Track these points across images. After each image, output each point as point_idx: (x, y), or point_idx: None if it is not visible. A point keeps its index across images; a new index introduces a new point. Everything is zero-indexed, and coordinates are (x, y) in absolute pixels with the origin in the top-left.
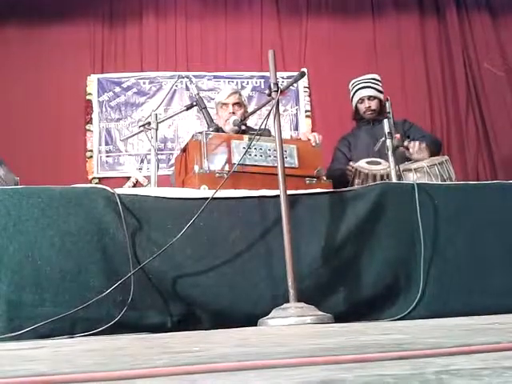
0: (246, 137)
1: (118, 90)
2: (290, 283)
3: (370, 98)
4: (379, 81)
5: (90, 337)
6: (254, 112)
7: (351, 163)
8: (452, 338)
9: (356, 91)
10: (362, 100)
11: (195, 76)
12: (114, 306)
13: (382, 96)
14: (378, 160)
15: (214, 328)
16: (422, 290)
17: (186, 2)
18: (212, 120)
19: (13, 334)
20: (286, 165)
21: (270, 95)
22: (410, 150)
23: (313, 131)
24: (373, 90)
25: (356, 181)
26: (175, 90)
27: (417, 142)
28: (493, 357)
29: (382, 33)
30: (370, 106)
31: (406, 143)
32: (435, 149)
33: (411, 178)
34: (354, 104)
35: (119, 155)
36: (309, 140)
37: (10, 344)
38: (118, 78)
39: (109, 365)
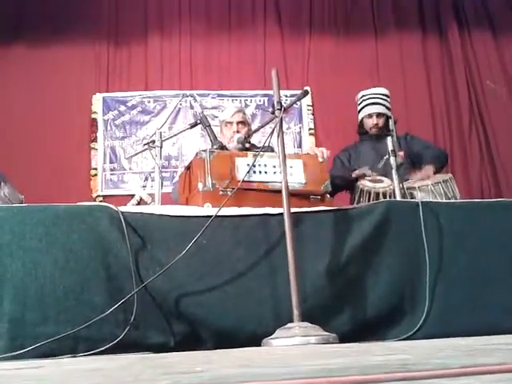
0: (250, 154)
1: (122, 108)
2: (294, 302)
3: (378, 115)
4: (388, 96)
5: (92, 356)
6: (257, 130)
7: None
8: (457, 358)
9: (365, 106)
10: (369, 116)
11: (199, 94)
12: (116, 325)
13: (389, 113)
14: (381, 178)
15: (216, 348)
16: (427, 309)
17: (191, 21)
18: (216, 138)
19: (15, 353)
20: (293, 182)
21: (273, 113)
22: (418, 176)
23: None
24: (382, 107)
25: (357, 198)
26: (179, 108)
27: (422, 171)
28: (498, 378)
29: (384, 51)
30: (377, 124)
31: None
32: (439, 164)
33: (415, 196)
34: (360, 117)
35: (123, 173)
36: (316, 155)
37: (12, 363)
38: (123, 97)
39: None
